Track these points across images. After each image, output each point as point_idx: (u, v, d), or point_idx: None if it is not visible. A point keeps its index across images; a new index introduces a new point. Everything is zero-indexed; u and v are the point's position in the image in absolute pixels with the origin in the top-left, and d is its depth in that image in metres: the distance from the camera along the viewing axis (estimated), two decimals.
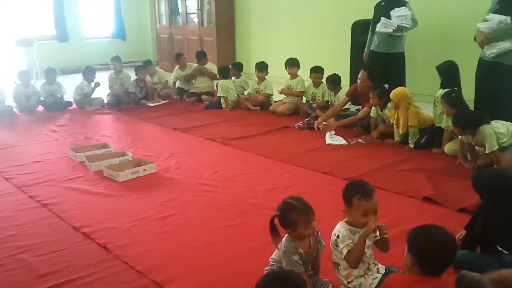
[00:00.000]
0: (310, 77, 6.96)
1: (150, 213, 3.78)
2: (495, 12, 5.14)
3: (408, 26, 6.22)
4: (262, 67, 7.52)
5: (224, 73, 7.69)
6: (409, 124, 5.22)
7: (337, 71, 6.80)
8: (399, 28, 6.19)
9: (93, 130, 6.47)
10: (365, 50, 6.70)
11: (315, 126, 6.04)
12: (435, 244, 2.08)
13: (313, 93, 6.97)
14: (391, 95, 5.33)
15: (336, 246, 2.47)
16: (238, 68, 7.93)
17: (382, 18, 6.24)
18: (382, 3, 6.44)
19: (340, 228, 2.51)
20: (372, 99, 5.60)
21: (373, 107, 5.68)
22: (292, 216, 2.44)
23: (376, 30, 6.34)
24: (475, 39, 5.25)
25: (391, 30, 6.20)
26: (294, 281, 1.89)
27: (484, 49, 5.18)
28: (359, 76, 6.02)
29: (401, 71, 6.54)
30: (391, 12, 6.21)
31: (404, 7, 6.22)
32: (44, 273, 2.94)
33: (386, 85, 5.75)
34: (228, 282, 2.85)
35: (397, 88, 5.37)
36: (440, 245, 2.08)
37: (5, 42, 10.60)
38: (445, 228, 2.17)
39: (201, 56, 8.40)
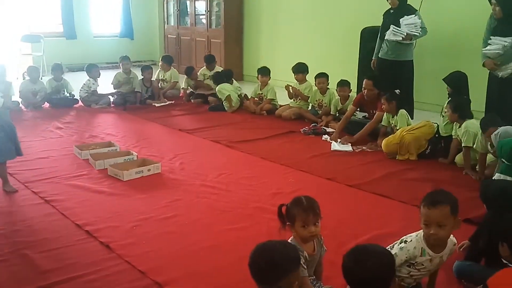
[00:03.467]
0: (315, 84, 6.92)
1: (153, 213, 3.77)
2: (495, 28, 5.14)
3: (418, 34, 6.19)
4: (265, 72, 7.50)
5: (217, 79, 7.67)
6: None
7: (344, 77, 6.77)
8: (409, 36, 6.17)
9: (98, 128, 6.47)
10: (373, 58, 6.68)
11: (332, 140, 5.88)
12: (360, 265, 1.98)
13: (319, 99, 6.94)
14: (383, 146, 5.31)
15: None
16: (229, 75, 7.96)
17: (391, 26, 6.22)
18: (391, 11, 6.41)
19: (411, 241, 2.49)
20: (383, 105, 5.58)
21: (384, 115, 5.66)
22: (293, 210, 2.47)
23: (385, 38, 6.33)
24: (483, 65, 5.25)
25: (401, 38, 6.18)
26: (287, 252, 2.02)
27: (496, 71, 5.18)
28: (364, 85, 5.99)
29: (410, 80, 6.52)
30: (401, 20, 6.19)
31: (414, 15, 6.20)
32: (46, 270, 2.93)
33: (398, 91, 5.71)
34: (230, 285, 2.83)
35: (385, 142, 5.30)
36: (365, 268, 1.97)
37: (12, 37, 10.63)
38: (384, 249, 2.11)
39: (210, 60, 8.42)
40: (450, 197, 2.42)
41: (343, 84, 6.57)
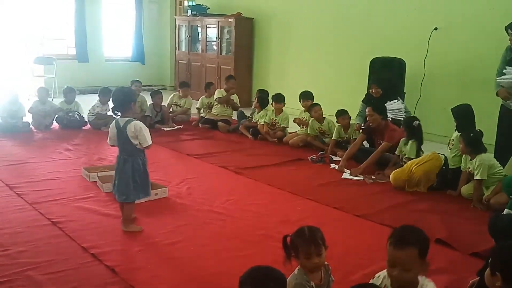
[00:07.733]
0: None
1: (159, 238, 3.77)
2: (510, 60, 5.15)
3: (402, 118, 6.15)
4: (279, 99, 7.49)
5: (263, 102, 7.76)
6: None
7: (353, 106, 6.79)
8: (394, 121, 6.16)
9: (107, 151, 6.48)
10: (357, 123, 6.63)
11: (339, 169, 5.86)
12: None
13: (319, 128, 6.93)
14: (391, 180, 5.27)
15: None
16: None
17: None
18: (372, 101, 6.32)
19: (379, 276, 2.35)
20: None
21: (400, 144, 5.66)
22: (296, 242, 2.46)
23: None
24: (497, 95, 5.26)
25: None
26: (276, 276, 2.03)
27: (508, 101, 5.18)
28: (366, 112, 6.00)
29: None
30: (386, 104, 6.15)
31: (396, 100, 6.16)
32: None
33: (416, 122, 5.61)
34: None
35: (393, 176, 5.26)
36: None
37: (25, 59, 10.78)
38: None
39: (230, 77, 8.54)
40: (420, 237, 2.20)
41: (341, 114, 6.57)
